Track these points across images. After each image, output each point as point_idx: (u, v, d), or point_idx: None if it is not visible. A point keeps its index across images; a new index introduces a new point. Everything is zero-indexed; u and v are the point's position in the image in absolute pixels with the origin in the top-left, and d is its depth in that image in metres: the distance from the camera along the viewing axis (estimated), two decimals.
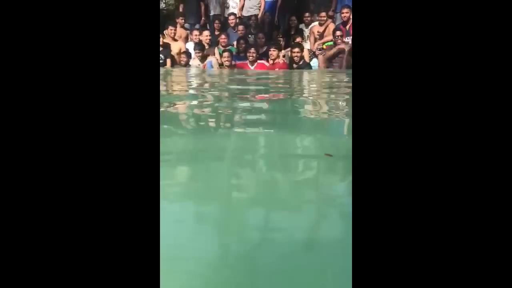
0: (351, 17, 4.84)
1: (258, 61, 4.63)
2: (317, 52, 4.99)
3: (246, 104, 1.61)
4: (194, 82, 3.18)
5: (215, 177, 0.78)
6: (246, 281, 0.48)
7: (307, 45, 5.11)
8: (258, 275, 0.49)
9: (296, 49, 4.62)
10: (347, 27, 4.87)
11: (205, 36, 5.24)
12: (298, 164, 0.86)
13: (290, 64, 4.71)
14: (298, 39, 5.02)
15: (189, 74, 4.05)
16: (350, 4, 4.94)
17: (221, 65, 4.88)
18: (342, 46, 4.52)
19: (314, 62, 4.95)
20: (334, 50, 4.58)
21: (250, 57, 4.58)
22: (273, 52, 4.60)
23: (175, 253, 0.53)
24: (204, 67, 4.87)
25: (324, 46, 5.02)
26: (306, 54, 4.86)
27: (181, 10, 5.94)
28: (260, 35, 5.08)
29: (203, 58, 4.93)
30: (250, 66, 4.62)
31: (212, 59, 4.86)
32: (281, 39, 5.10)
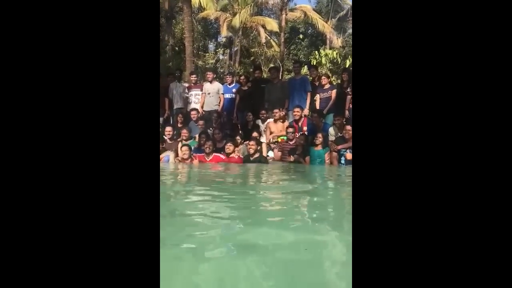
0: (302, 115, 5.39)
1: (214, 154, 4.85)
2: (272, 146, 5.36)
3: None
4: None
5: None
6: None
7: (263, 139, 5.49)
8: None
9: (252, 143, 4.94)
10: (299, 124, 5.37)
11: (167, 131, 5.42)
12: None
13: (247, 157, 4.96)
14: (255, 134, 5.38)
15: None
16: (301, 104, 5.53)
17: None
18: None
19: (271, 154, 5.28)
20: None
21: (207, 149, 4.82)
22: (229, 147, 4.86)
23: None
24: (161, 161, 5.00)
25: (279, 140, 5.42)
26: (264, 148, 5.18)
27: None
28: (216, 131, 5.41)
29: (161, 151, 5.08)
30: (206, 158, 4.82)
31: (170, 154, 5.00)
32: (239, 135, 5.44)
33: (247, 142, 5.09)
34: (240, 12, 13.50)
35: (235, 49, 15.14)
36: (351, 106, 5.33)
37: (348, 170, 4.24)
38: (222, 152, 4.93)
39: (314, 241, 1.27)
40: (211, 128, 5.61)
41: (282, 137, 5.39)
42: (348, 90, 5.43)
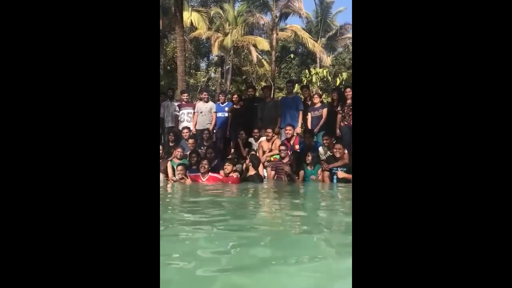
0: (294, 133, 5.45)
1: (210, 174, 4.77)
2: (265, 164, 5.37)
3: None
4: None
5: None
6: None
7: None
8: None
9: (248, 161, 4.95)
10: (291, 142, 5.42)
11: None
12: None
13: (242, 175, 4.90)
14: (253, 153, 5.38)
15: None
16: (294, 123, 5.61)
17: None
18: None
19: (265, 173, 5.29)
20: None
21: (202, 169, 4.71)
22: (227, 167, 4.69)
23: None
24: None
25: (272, 159, 5.44)
26: (260, 167, 5.16)
27: None
28: (209, 150, 5.36)
29: None
30: (202, 178, 4.73)
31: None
32: (231, 154, 5.43)
33: (245, 160, 5.09)
34: (232, 32, 13.74)
35: (227, 67, 15.32)
36: (342, 125, 5.42)
37: (341, 186, 4.29)
38: (217, 172, 4.84)
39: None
40: (202, 147, 5.59)
41: (275, 156, 5.42)
42: (338, 109, 5.52)
